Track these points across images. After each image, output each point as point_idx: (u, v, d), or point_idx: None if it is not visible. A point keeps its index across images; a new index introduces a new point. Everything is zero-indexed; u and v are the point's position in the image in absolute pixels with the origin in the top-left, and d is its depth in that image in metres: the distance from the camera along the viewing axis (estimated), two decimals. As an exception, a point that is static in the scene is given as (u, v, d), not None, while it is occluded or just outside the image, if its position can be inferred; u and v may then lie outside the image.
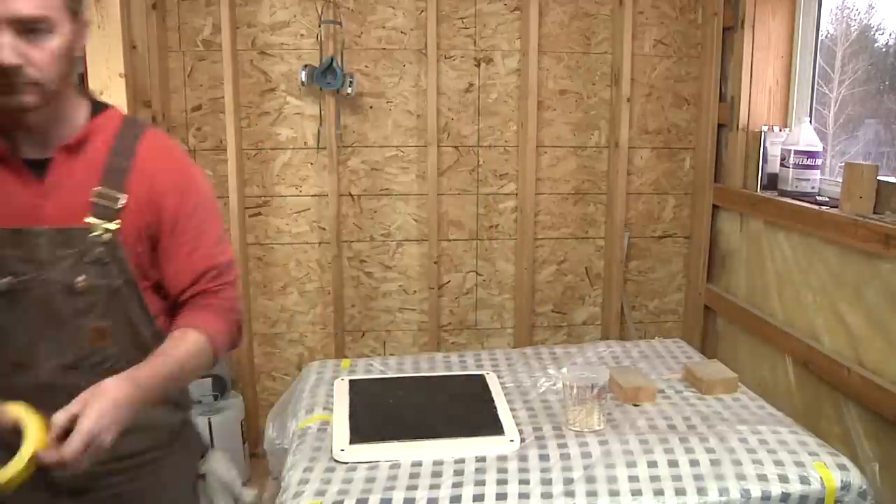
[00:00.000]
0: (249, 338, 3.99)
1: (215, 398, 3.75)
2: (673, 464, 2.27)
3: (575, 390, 2.48)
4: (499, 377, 2.92)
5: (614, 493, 2.14)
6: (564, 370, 2.58)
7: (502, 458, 2.31)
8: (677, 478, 2.21)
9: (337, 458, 2.34)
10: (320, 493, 2.15)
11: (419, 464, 2.29)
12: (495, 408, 2.58)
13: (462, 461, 2.30)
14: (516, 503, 2.10)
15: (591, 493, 2.15)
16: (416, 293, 4.06)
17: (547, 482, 2.16)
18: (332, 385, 2.84)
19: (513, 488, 2.14)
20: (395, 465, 2.30)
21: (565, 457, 2.31)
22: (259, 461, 3.85)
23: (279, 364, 4.12)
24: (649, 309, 4.28)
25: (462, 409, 2.57)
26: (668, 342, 3.43)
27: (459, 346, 4.14)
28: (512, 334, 4.16)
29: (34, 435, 1.42)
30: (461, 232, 4.01)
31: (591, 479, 2.21)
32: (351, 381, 2.83)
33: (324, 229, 3.91)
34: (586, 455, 2.32)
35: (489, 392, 2.70)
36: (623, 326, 4.19)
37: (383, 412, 2.55)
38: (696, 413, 2.64)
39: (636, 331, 4.25)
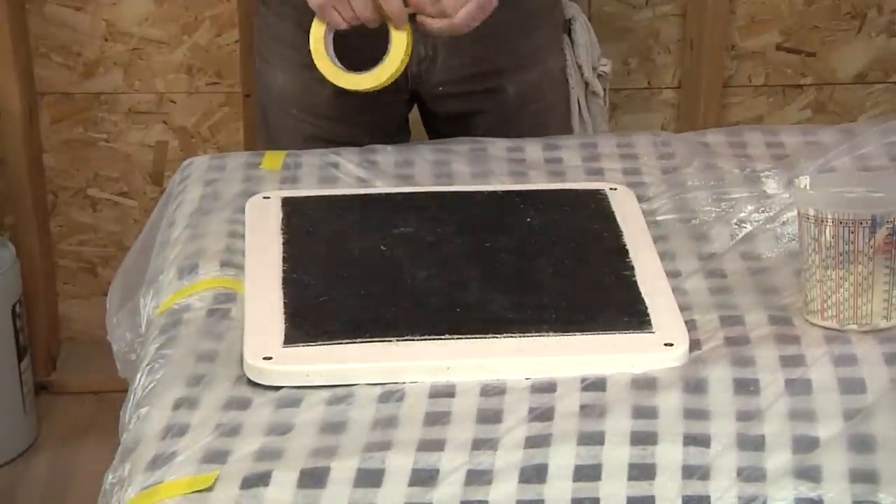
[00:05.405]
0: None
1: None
2: None
3: (830, 230, 1.84)
4: (639, 196, 2.20)
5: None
6: (803, 181, 1.88)
7: (646, 384, 1.62)
8: None
9: (253, 378, 1.58)
10: (213, 459, 1.39)
11: (448, 391, 1.55)
12: (632, 270, 1.95)
13: (549, 388, 1.63)
14: (676, 485, 1.31)
15: (861, 475, 1.29)
16: None
17: (749, 441, 1.43)
18: (244, 210, 2.15)
19: (667, 453, 1.37)
20: (391, 395, 1.56)
21: (798, 387, 1.63)
22: (53, 400, 2.71)
23: (105, 166, 2.74)
24: None
25: (553, 271, 1.97)
26: None
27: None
28: (674, 102, 2.93)
29: (404, 31, 1.68)
30: None
31: (862, 442, 1.36)
32: (287, 199, 2.14)
33: None
34: (851, 387, 1.71)
35: (616, 232, 2.08)
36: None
37: (365, 274, 1.88)
38: None
39: None
